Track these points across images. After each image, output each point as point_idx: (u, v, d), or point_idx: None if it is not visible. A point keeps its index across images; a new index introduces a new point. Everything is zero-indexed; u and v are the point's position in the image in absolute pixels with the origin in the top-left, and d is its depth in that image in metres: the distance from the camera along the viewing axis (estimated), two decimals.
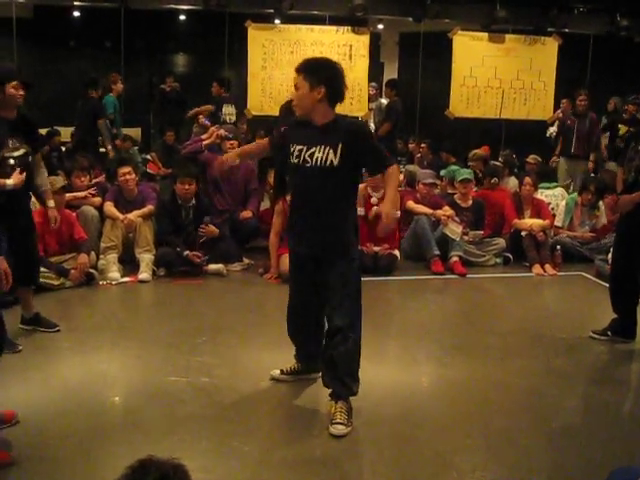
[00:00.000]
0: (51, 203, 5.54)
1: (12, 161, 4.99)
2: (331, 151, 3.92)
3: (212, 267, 7.21)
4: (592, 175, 10.14)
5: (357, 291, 4.08)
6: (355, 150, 3.95)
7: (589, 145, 10.71)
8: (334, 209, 4.05)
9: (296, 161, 4.03)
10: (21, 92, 4.99)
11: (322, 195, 4.01)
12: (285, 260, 7.01)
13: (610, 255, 6.79)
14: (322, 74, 4.00)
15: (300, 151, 4.01)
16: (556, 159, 11.13)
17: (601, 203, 8.52)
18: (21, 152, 5.06)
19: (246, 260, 7.66)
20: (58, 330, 5.43)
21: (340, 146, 3.92)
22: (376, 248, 7.56)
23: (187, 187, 7.22)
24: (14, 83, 4.95)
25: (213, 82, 11.77)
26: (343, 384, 4.03)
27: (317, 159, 3.95)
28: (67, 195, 7.00)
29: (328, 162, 3.93)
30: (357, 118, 9.77)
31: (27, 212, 5.32)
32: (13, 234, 4.94)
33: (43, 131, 10.90)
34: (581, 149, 10.68)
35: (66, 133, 12.58)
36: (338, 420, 3.90)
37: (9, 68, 5.14)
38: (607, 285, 6.07)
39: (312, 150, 3.97)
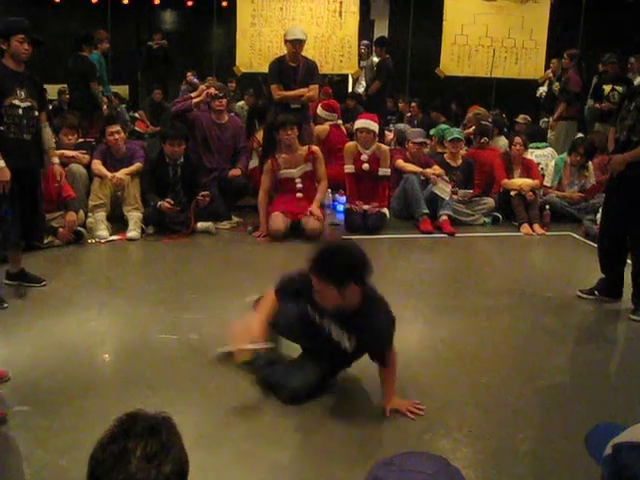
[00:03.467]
0: (55, 159, 5.63)
1: (20, 111, 5.04)
2: (346, 337, 3.69)
3: (201, 225, 7.19)
4: (580, 135, 10.12)
5: None
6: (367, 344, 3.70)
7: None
8: None
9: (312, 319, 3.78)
10: (26, 47, 5.04)
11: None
12: (274, 218, 7.03)
13: (598, 215, 6.81)
14: (346, 275, 3.46)
15: (315, 317, 3.77)
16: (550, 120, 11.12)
17: (590, 163, 8.52)
18: (28, 104, 5.10)
19: (235, 218, 7.65)
20: (44, 285, 5.44)
21: (355, 339, 3.67)
22: (365, 206, 7.56)
23: (176, 148, 7.18)
24: (19, 37, 4.98)
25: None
26: None
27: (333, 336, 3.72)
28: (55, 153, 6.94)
29: (342, 346, 3.71)
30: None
31: (36, 169, 5.35)
32: (23, 190, 4.99)
33: None
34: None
35: (53, 91, 12.45)
36: None
37: (16, 21, 5.10)
38: (595, 245, 6.11)
39: (328, 325, 3.73)
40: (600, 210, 6.41)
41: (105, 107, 10.00)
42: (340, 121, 9.23)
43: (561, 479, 3.20)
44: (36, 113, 5.16)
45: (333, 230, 7.56)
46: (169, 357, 4.32)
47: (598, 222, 6.57)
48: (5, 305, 4.96)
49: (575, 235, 7.77)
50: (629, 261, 5.51)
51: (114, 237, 6.90)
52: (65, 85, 11.51)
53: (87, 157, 7.43)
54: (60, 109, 11.52)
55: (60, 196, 6.62)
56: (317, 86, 8.38)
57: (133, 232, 6.89)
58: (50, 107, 11.94)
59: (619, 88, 10.26)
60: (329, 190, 8.19)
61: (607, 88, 10.60)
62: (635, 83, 8.99)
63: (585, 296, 5.68)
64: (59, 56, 11.01)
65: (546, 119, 11.28)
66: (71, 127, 7.59)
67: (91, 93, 9.70)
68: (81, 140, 7.92)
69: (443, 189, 7.85)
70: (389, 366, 3.72)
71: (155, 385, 3.92)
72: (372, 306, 3.59)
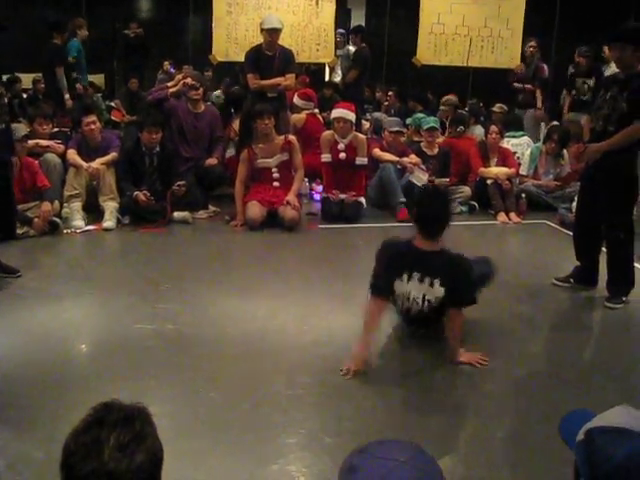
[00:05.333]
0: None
1: None
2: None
3: (178, 215, 7.16)
4: (556, 124, 10.17)
5: None
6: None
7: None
8: None
9: None
10: None
11: None
12: (251, 207, 7.02)
13: (574, 204, 6.84)
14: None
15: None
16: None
17: (565, 152, 8.57)
18: None
19: (212, 208, 7.63)
20: (19, 275, 5.40)
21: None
22: (342, 195, 7.56)
23: (154, 136, 7.14)
24: None
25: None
26: None
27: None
28: (29, 142, 6.89)
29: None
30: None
31: (6, 162, 5.29)
32: None
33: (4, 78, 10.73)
34: (527, 98, 10.86)
35: (27, 80, 12.35)
36: None
37: None
38: (570, 233, 6.14)
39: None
40: (575, 199, 6.44)
41: (67, 97, 9.88)
42: (317, 110, 9.22)
43: (538, 464, 3.23)
44: (6, 100, 5.07)
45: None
46: (145, 347, 4.30)
47: (573, 210, 6.61)
48: None
49: (551, 223, 7.81)
50: (604, 249, 5.55)
51: (90, 227, 6.86)
52: (40, 74, 11.39)
53: (62, 147, 7.37)
54: (35, 98, 11.41)
55: (35, 186, 6.58)
56: (293, 75, 8.38)
57: (109, 222, 6.85)
58: (25, 96, 11.89)
59: (589, 82, 10.34)
60: (306, 179, 8.18)
61: (579, 81, 10.69)
62: (608, 73, 9.02)
63: (560, 284, 5.72)
64: (35, 44, 10.91)
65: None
66: (45, 116, 7.53)
67: (57, 79, 9.61)
68: (56, 130, 7.85)
69: (420, 178, 7.87)
70: (459, 317, 4.23)
71: (131, 375, 3.91)
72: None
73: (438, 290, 4.14)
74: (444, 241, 4.29)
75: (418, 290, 4.18)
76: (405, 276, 4.18)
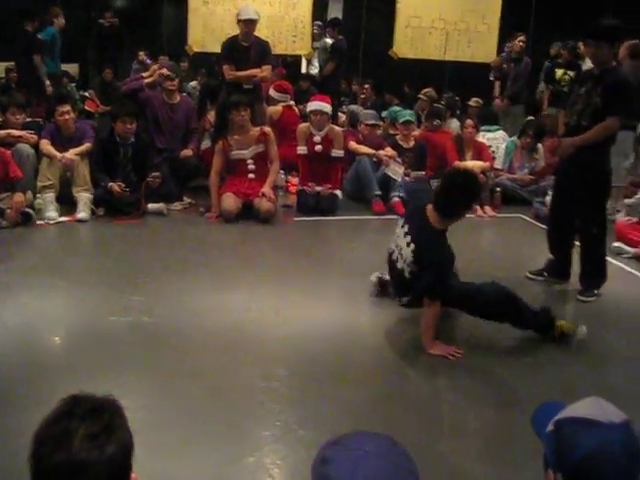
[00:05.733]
0: None
1: None
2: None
3: (152, 206, 7.12)
4: (531, 118, 10.23)
5: None
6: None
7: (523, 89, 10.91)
8: None
9: None
10: None
11: None
12: (226, 199, 7.00)
13: (548, 198, 6.89)
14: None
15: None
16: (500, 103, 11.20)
17: (540, 146, 8.62)
18: None
19: (187, 199, 7.59)
20: None
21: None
22: (318, 188, 7.56)
23: (128, 126, 7.09)
24: None
25: None
26: None
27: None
28: (1, 132, 6.83)
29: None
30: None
31: None
32: None
33: None
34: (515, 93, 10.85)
35: (0, 69, 12.21)
36: None
37: None
38: (544, 227, 6.19)
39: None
40: (550, 193, 6.49)
41: (47, 83, 9.79)
42: (293, 102, 9.21)
43: (511, 453, 3.27)
44: None
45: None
46: (120, 340, 4.29)
47: (548, 204, 6.66)
48: None
49: (525, 217, 7.86)
50: (577, 243, 5.60)
51: (63, 218, 6.80)
52: (13, 63, 11.28)
53: (35, 137, 7.29)
54: (8, 87, 11.28)
55: (7, 176, 6.51)
56: (269, 66, 8.36)
57: (83, 213, 6.79)
58: None
59: (571, 73, 10.41)
60: (281, 171, 8.16)
61: (559, 72, 10.75)
62: (584, 68, 9.10)
63: (534, 277, 5.77)
64: (8, 33, 10.78)
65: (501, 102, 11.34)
66: (18, 106, 7.45)
67: (34, 66, 9.52)
68: (29, 119, 7.78)
69: (395, 171, 7.89)
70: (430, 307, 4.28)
71: (106, 368, 3.89)
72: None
73: (409, 254, 4.34)
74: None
75: (401, 240, 4.44)
76: (401, 221, 4.58)
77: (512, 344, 4.65)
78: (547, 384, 4.01)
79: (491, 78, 11.70)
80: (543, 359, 4.40)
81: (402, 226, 4.50)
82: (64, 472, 1.46)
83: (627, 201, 8.61)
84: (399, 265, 4.46)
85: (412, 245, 4.32)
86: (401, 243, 4.43)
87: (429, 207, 4.36)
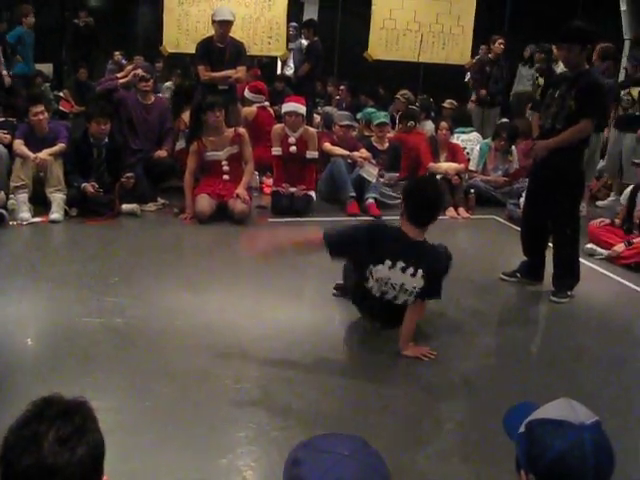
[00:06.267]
0: None
1: None
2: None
3: (126, 207, 7.08)
4: (505, 120, 10.30)
5: None
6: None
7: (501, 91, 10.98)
8: None
9: None
10: None
11: None
12: (200, 200, 6.98)
13: (522, 199, 6.94)
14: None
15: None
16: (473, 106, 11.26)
17: (514, 148, 8.67)
18: None
19: (161, 200, 7.55)
20: None
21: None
22: (292, 189, 7.56)
23: (103, 127, 7.04)
24: None
25: None
26: None
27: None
28: None
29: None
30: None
31: None
32: None
33: None
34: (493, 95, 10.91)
35: None
36: None
37: None
38: (518, 228, 6.23)
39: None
40: (523, 194, 6.54)
41: (5, 73, 9.67)
42: (267, 103, 9.20)
43: (484, 454, 3.28)
44: None
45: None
46: (93, 341, 4.26)
47: (521, 206, 6.70)
48: None
49: (499, 218, 7.91)
50: (551, 245, 5.64)
51: (36, 219, 6.73)
52: None
53: (8, 137, 7.23)
54: None
55: None
56: (244, 67, 8.36)
57: (56, 214, 6.74)
58: None
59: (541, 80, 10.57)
60: (256, 172, 8.15)
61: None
62: (557, 72, 9.18)
63: (507, 278, 5.81)
64: None
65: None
66: None
67: None
68: (1, 119, 7.71)
69: (370, 172, 7.90)
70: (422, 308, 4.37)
71: (78, 369, 3.87)
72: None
73: (419, 280, 4.21)
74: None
75: (398, 278, 4.23)
76: (389, 262, 4.23)
77: (482, 345, 4.69)
78: (519, 384, 4.03)
79: (466, 80, 11.78)
80: (515, 360, 4.44)
81: (391, 267, 4.23)
82: (34, 475, 1.45)
83: (600, 203, 8.73)
84: (389, 296, 4.33)
85: (420, 272, 4.19)
86: (398, 281, 4.23)
87: (402, 222, 4.32)
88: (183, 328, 4.51)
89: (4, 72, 9.85)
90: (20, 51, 10.43)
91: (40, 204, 6.92)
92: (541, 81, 11.20)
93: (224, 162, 7.23)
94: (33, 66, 11.18)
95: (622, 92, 8.47)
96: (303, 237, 4.41)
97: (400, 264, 4.21)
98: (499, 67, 10.79)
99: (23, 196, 6.80)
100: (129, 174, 7.12)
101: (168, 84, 13.07)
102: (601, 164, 9.00)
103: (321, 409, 3.65)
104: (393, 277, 4.24)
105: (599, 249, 6.59)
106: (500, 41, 10.75)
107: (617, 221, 6.88)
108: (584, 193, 6.31)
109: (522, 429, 1.72)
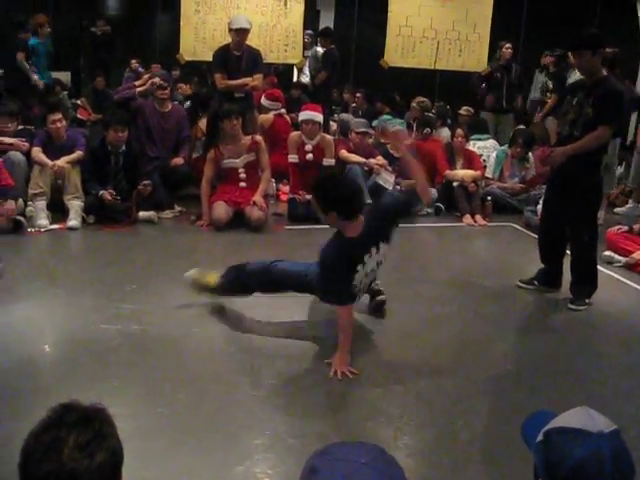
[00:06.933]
0: None
1: None
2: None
3: (143, 214, 7.12)
4: (521, 127, 10.26)
5: None
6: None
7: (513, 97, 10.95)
8: None
9: None
10: None
11: None
12: (217, 208, 7.00)
13: (539, 206, 6.91)
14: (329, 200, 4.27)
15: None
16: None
17: (530, 155, 8.65)
18: None
19: (177, 207, 7.58)
20: None
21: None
22: (308, 196, 7.54)
23: (120, 134, 7.09)
24: None
25: None
26: None
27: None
28: None
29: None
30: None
31: None
32: None
33: None
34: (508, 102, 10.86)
35: None
36: None
37: None
38: (535, 236, 6.21)
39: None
40: (541, 201, 6.51)
41: (36, 77, 9.75)
42: (284, 110, 9.22)
43: (500, 465, 3.26)
44: None
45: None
46: (110, 348, 4.27)
47: (539, 213, 6.68)
48: None
49: (516, 226, 7.88)
50: (568, 252, 5.61)
51: (54, 226, 6.78)
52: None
53: (27, 144, 7.28)
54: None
55: None
56: (261, 75, 8.39)
57: (74, 221, 6.78)
58: None
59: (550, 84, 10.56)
60: (273, 180, 8.17)
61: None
62: (572, 79, 9.13)
63: (525, 286, 5.78)
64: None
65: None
66: (10, 114, 7.45)
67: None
68: (21, 127, 7.76)
69: (386, 179, 7.90)
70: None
71: (95, 376, 3.88)
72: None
73: (385, 247, 4.44)
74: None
75: (374, 261, 4.39)
76: (360, 266, 4.28)
77: (499, 353, 4.66)
78: (537, 392, 4.01)
79: (482, 86, 11.75)
80: (532, 368, 4.41)
81: (362, 267, 4.29)
82: None
83: (619, 210, 8.68)
84: (370, 277, 4.53)
85: (381, 244, 4.39)
86: (371, 266, 4.37)
87: (343, 228, 4.33)
88: (200, 335, 4.53)
89: (35, 76, 9.92)
90: (35, 62, 10.49)
91: (58, 211, 6.97)
92: (550, 85, 11.21)
93: (241, 169, 7.25)
94: (48, 75, 11.23)
95: None
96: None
97: (370, 255, 4.33)
98: (510, 73, 10.74)
99: (41, 203, 6.85)
100: (146, 181, 7.15)
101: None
102: (619, 171, 8.95)
103: (339, 417, 3.64)
104: (369, 265, 4.35)
105: (617, 256, 6.55)
106: (507, 46, 10.69)
107: (635, 228, 6.84)
108: (602, 200, 6.27)
109: (540, 437, 1.72)
